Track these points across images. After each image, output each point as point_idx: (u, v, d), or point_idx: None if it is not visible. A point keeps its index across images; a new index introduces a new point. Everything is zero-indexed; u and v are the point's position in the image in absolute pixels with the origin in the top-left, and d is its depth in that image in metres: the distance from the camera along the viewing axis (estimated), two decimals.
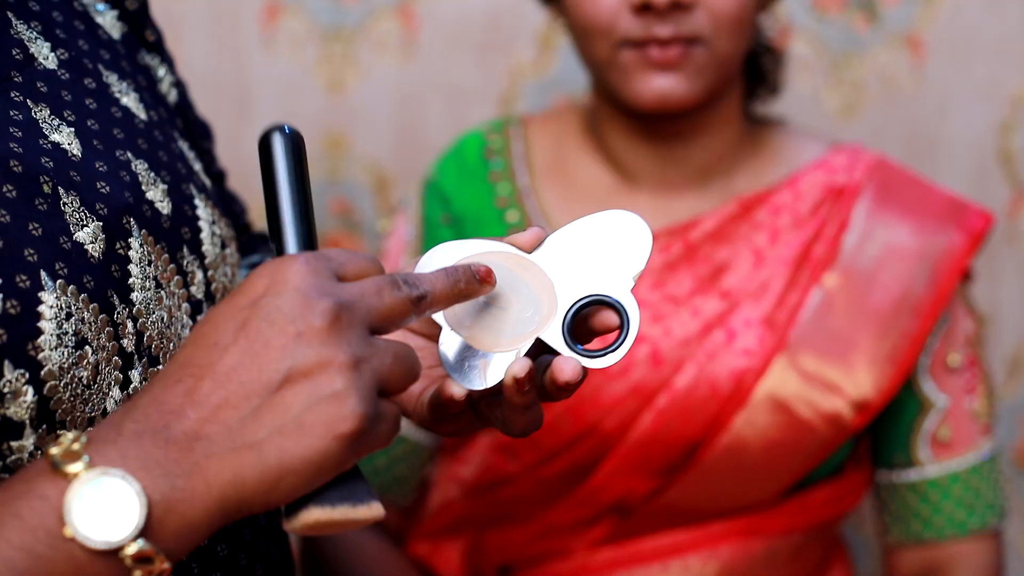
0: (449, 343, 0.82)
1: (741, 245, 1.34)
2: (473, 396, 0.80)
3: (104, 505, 0.63)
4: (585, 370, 0.79)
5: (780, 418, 1.30)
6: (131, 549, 0.63)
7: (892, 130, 1.87)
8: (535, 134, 1.45)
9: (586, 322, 0.81)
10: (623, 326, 0.81)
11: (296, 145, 0.77)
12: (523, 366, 0.77)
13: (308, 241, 0.75)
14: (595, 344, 0.83)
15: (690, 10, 1.26)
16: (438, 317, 0.82)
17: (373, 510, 0.70)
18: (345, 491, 0.70)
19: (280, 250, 0.75)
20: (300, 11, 1.86)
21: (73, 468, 0.64)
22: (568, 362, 0.78)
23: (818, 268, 1.33)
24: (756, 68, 1.43)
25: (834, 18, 1.86)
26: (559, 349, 0.81)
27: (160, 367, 0.79)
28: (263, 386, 0.66)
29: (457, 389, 0.79)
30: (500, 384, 0.79)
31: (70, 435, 0.65)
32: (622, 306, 0.82)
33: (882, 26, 1.85)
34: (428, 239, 1.43)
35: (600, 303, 0.82)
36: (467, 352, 0.81)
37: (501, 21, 1.84)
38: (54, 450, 0.64)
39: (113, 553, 0.63)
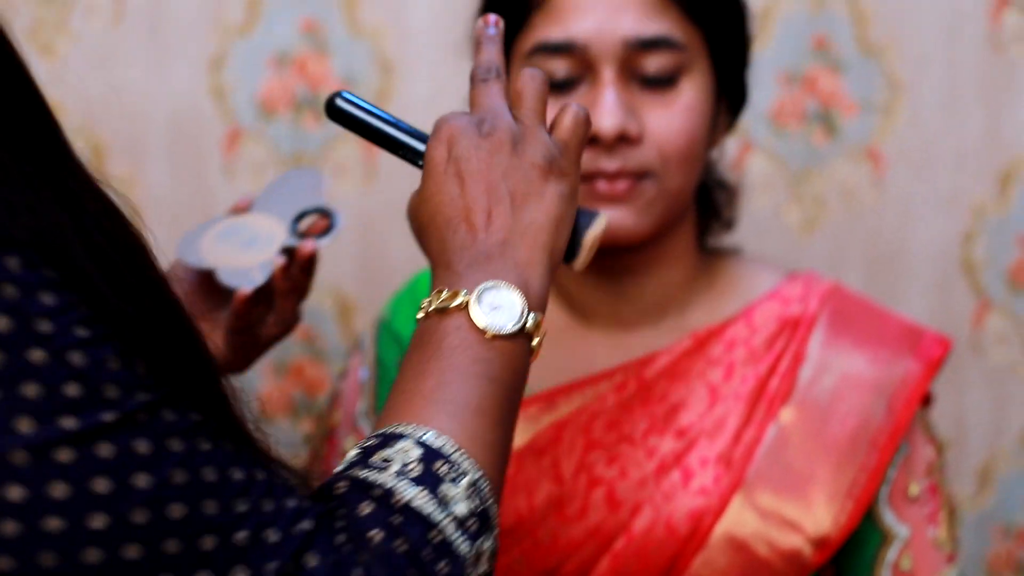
0: (228, 275, 1.21)
1: (696, 382, 1.33)
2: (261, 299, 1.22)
3: (495, 308, 0.90)
4: (317, 247, 1.21)
5: (739, 557, 1.28)
6: (530, 321, 0.91)
7: (854, 243, 1.88)
8: None
9: (306, 230, 1.23)
10: (331, 221, 1.24)
11: (354, 96, 1.05)
12: (280, 261, 1.21)
13: (421, 133, 1.02)
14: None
15: (638, 144, 1.26)
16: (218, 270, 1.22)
17: (603, 217, 1.03)
18: (583, 219, 1.01)
19: (415, 152, 1.01)
20: (261, 137, 1.87)
21: (459, 301, 0.89)
22: (306, 244, 1.22)
23: (774, 403, 1.32)
24: (709, 202, 1.43)
25: (793, 133, 1.86)
26: (295, 244, 1.22)
27: None
28: (502, 194, 0.93)
29: (246, 288, 1.20)
30: (270, 281, 1.20)
31: (428, 298, 0.91)
32: (327, 208, 1.25)
33: (841, 139, 1.86)
34: (382, 381, 1.42)
35: (312, 211, 1.24)
36: (239, 274, 1.20)
37: None
38: (436, 306, 0.90)
39: (519, 331, 0.90)
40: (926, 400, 1.39)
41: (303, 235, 1.24)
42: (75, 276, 0.72)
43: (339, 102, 1.04)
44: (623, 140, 1.25)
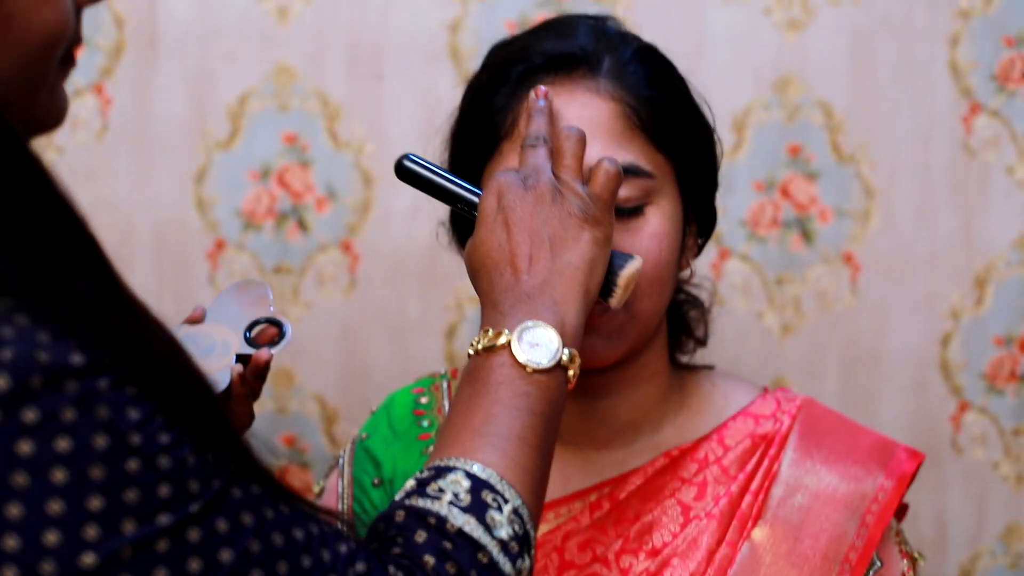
0: None
1: (669, 501, 1.34)
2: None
3: (534, 345, 1.03)
4: (271, 355, 1.30)
5: None
6: (565, 355, 1.04)
7: (832, 347, 1.90)
8: None
9: (257, 338, 1.32)
10: (281, 330, 1.33)
11: (419, 157, 1.22)
12: (237, 369, 1.29)
13: (478, 189, 1.19)
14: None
15: None
16: None
17: (637, 260, 1.17)
18: (619, 261, 1.16)
19: (470, 204, 1.19)
20: (245, 248, 1.89)
21: (503, 340, 1.03)
22: (261, 353, 1.30)
23: (746, 521, 1.33)
24: (681, 319, 1.45)
25: (769, 239, 1.89)
26: (250, 351, 1.31)
27: None
28: (543, 240, 1.08)
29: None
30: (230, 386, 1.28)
31: (476, 337, 1.04)
32: (277, 319, 1.33)
33: (817, 245, 1.89)
34: (358, 500, 1.43)
35: (263, 322, 1.33)
36: None
37: (441, 252, 1.86)
38: (484, 345, 1.03)
39: (556, 365, 1.03)
40: (900, 511, 1.40)
41: (256, 343, 1.33)
42: (151, 388, 0.82)
43: (406, 163, 1.22)
44: None
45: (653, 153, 1.28)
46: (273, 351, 1.33)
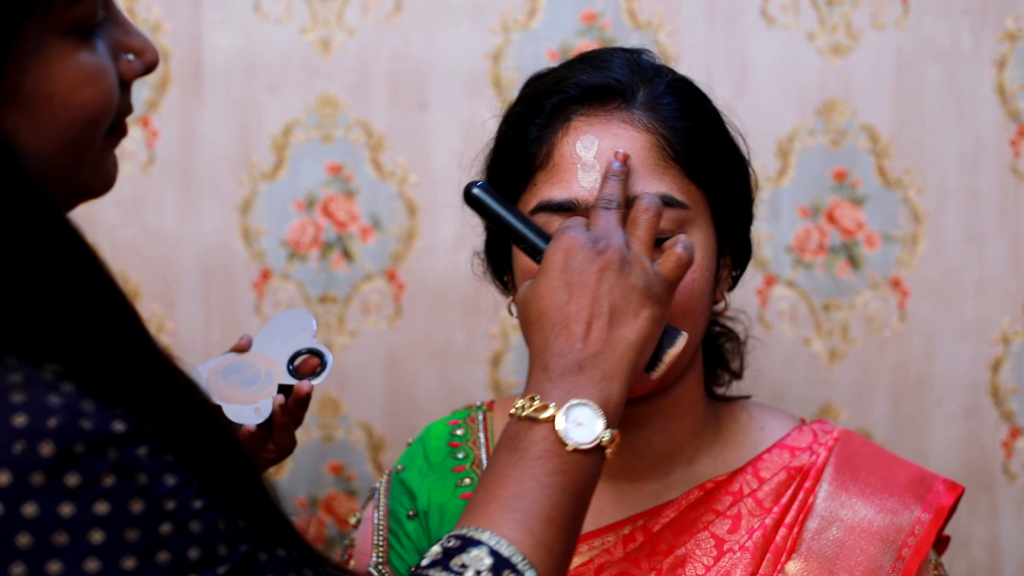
0: (233, 413, 1.34)
1: (702, 534, 1.33)
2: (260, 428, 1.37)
3: (578, 424, 1.03)
4: (312, 386, 1.37)
5: None
6: (606, 437, 1.04)
7: (880, 373, 1.88)
8: (499, 420, 1.44)
9: (299, 368, 1.38)
10: (323, 361, 1.38)
11: (487, 187, 1.22)
12: (279, 399, 1.35)
13: (544, 232, 1.19)
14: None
15: None
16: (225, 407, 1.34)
17: (684, 337, 1.17)
18: (667, 336, 1.15)
19: (534, 249, 1.18)
20: (291, 277, 1.90)
21: (547, 414, 1.03)
22: (303, 384, 1.36)
23: (780, 554, 1.31)
24: (716, 351, 1.44)
25: (816, 265, 1.88)
26: (293, 382, 1.36)
27: None
28: (603, 309, 1.07)
29: (255, 421, 1.36)
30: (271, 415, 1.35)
31: (522, 402, 1.04)
32: (319, 349, 1.39)
33: (864, 270, 1.87)
34: (394, 532, 1.42)
35: (305, 352, 1.38)
36: (244, 412, 1.34)
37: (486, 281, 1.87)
38: (528, 414, 1.03)
39: (596, 445, 1.03)
40: (940, 544, 1.38)
41: (298, 374, 1.37)
42: (187, 456, 0.86)
43: (475, 191, 1.21)
44: None
45: (687, 184, 1.28)
46: (315, 382, 1.37)
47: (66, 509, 0.81)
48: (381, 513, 1.45)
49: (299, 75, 1.88)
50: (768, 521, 1.33)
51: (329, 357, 1.37)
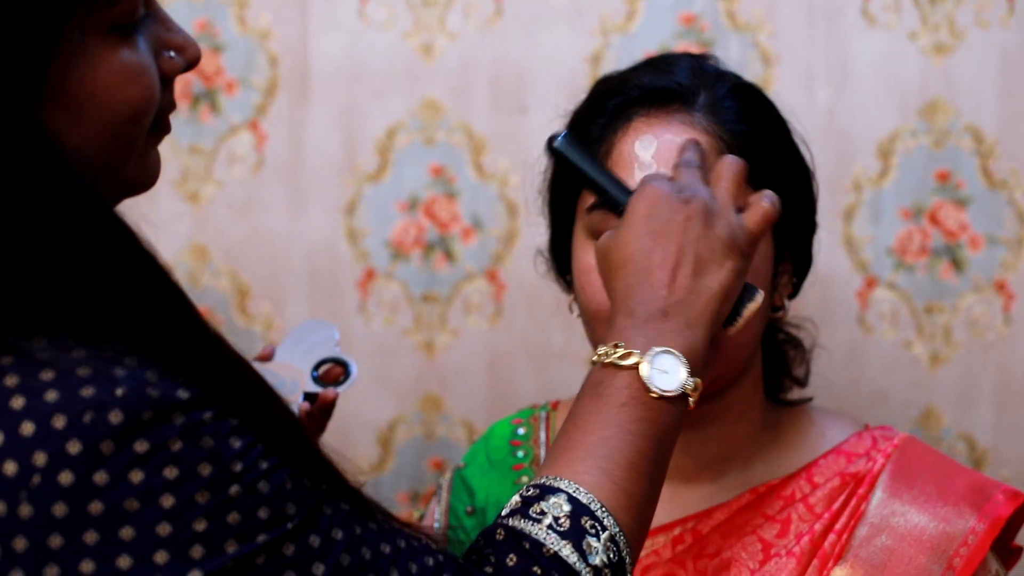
0: None
1: (750, 537, 1.33)
2: None
3: (663, 372, 1.03)
4: (337, 394, 1.39)
5: None
6: (690, 384, 1.05)
7: (984, 377, 1.85)
8: (562, 420, 1.45)
9: (323, 377, 1.40)
10: (347, 370, 1.40)
11: (571, 139, 1.22)
12: (305, 406, 1.36)
13: (625, 186, 1.20)
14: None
15: None
16: None
17: (761, 293, 1.15)
18: (745, 292, 1.14)
19: (614, 202, 1.18)
20: (394, 277, 1.93)
21: (631, 361, 1.03)
22: (328, 391, 1.38)
23: (827, 560, 1.30)
24: (780, 357, 1.43)
25: (918, 268, 1.86)
26: (317, 390, 1.39)
27: None
28: (688, 258, 1.07)
29: None
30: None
31: (605, 348, 1.05)
32: (343, 359, 1.41)
33: (968, 273, 1.85)
34: (453, 528, 1.46)
35: (328, 361, 1.40)
36: None
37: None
38: (612, 360, 1.04)
39: (680, 393, 1.04)
40: (1009, 555, 1.35)
41: (322, 382, 1.41)
42: (251, 419, 0.89)
43: (557, 144, 1.22)
44: None
45: (744, 188, 1.26)
46: (339, 390, 1.40)
47: (136, 475, 0.83)
48: (442, 508, 1.48)
49: (402, 79, 1.92)
50: (818, 527, 1.32)
51: (353, 366, 1.41)
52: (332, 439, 1.92)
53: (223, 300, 1.97)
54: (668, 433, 1.05)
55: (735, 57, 1.84)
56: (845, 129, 1.83)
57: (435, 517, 1.49)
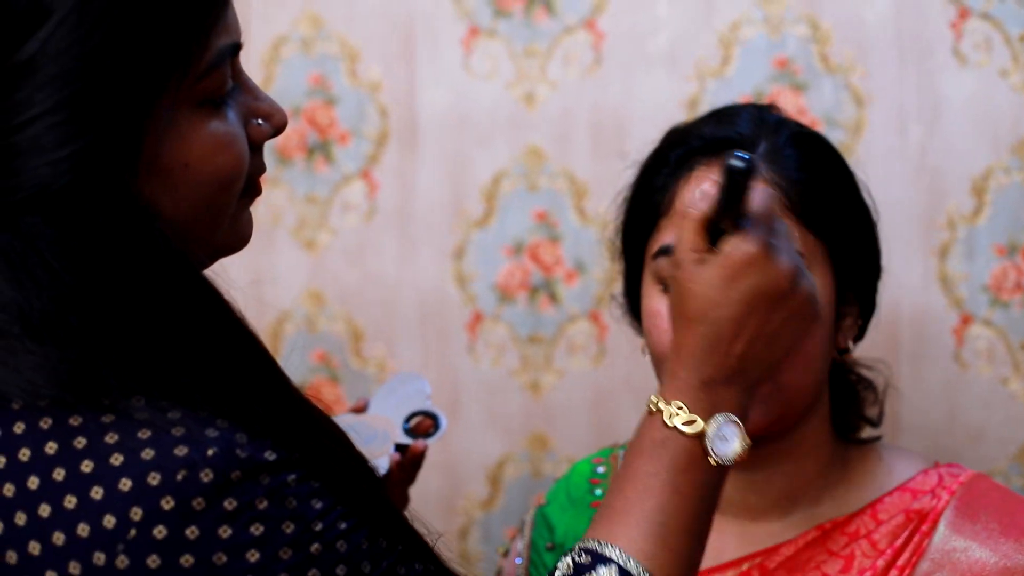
0: None
1: (814, 573, 1.36)
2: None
3: (723, 439, 1.06)
4: (427, 446, 1.47)
5: None
6: (742, 451, 1.07)
7: None
8: None
9: (414, 429, 1.48)
10: (436, 423, 1.48)
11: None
12: (396, 457, 1.45)
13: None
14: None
15: None
16: None
17: None
18: None
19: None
20: (501, 319, 2.00)
21: (697, 428, 1.05)
22: (418, 443, 1.45)
23: None
24: (852, 398, 1.45)
25: (1013, 304, 1.88)
26: (408, 442, 1.46)
27: None
28: (765, 335, 1.07)
29: None
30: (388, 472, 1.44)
31: (668, 408, 1.06)
32: (433, 412, 1.49)
33: None
34: (534, 563, 1.51)
35: (419, 414, 1.48)
36: None
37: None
38: (677, 425, 1.05)
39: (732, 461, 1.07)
40: None
41: (413, 434, 1.48)
42: (333, 482, 0.94)
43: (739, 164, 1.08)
44: None
45: (803, 232, 1.32)
46: (428, 442, 1.47)
47: (225, 531, 0.88)
48: (524, 543, 1.54)
49: (506, 128, 1.99)
50: (880, 563, 1.34)
51: (443, 419, 1.47)
52: (444, 478, 2.04)
53: (339, 344, 2.05)
54: (716, 496, 1.08)
55: (828, 98, 1.89)
56: (938, 167, 1.86)
57: (518, 551, 1.55)
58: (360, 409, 1.51)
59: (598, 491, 1.51)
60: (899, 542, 1.35)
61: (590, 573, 1.01)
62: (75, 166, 0.90)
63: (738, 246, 1.06)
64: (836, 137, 1.86)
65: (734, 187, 1.06)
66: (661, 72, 1.95)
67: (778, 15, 1.91)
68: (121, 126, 0.91)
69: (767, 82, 1.92)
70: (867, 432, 1.46)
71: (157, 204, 0.94)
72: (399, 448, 1.46)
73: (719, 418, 1.06)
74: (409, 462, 1.46)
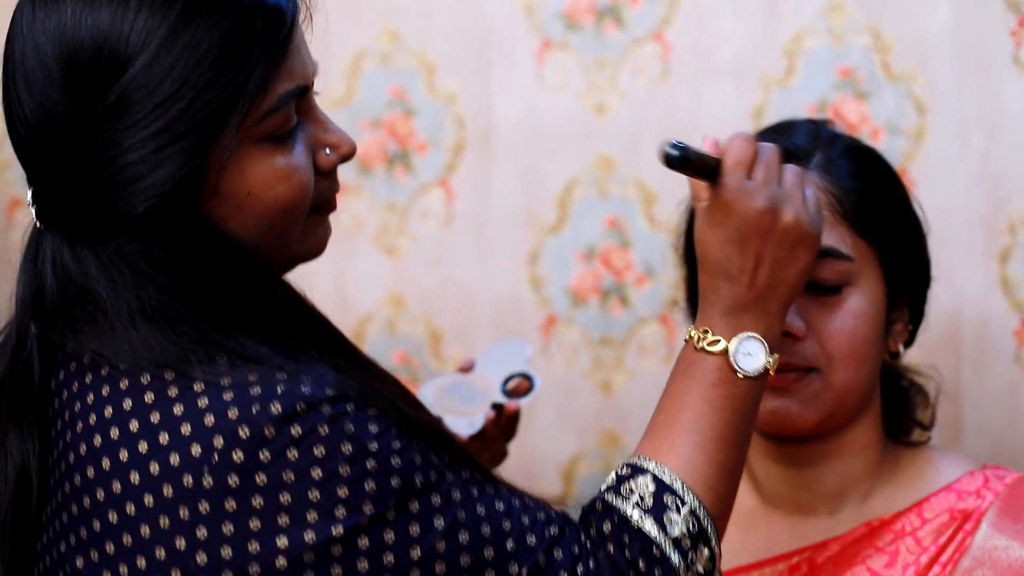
0: (451, 423, 1.49)
1: (859, 568, 1.41)
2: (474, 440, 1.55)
3: (747, 355, 1.18)
4: (519, 406, 1.57)
5: None
6: (769, 362, 1.19)
7: None
8: None
9: (513, 390, 1.58)
10: (531, 384, 1.57)
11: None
12: (491, 414, 1.54)
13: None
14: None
15: (803, 340, 1.37)
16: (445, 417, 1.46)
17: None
18: None
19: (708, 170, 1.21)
20: (574, 322, 2.07)
21: (721, 347, 1.18)
22: (511, 404, 1.55)
23: None
24: (904, 402, 1.50)
25: None
26: (504, 401, 1.55)
27: None
28: (765, 262, 1.18)
29: (468, 433, 1.54)
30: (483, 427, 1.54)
31: (696, 333, 1.20)
32: (529, 373, 1.58)
33: None
34: None
35: (517, 375, 1.56)
36: (460, 423, 1.53)
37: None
38: (703, 346, 1.18)
39: (761, 373, 1.19)
40: None
41: (510, 394, 1.58)
42: (385, 409, 1.08)
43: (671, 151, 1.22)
44: (788, 336, 1.34)
45: (855, 239, 1.38)
46: (522, 402, 1.57)
47: (292, 453, 1.03)
48: None
49: (578, 137, 2.07)
50: (923, 559, 1.39)
51: (537, 381, 1.56)
52: (519, 474, 2.08)
53: (418, 345, 2.13)
54: (751, 407, 1.20)
55: (890, 107, 1.94)
56: (999, 173, 1.90)
57: None
58: (467, 369, 1.62)
59: None
60: (943, 539, 1.40)
61: (628, 482, 1.15)
62: (150, 197, 1.07)
63: (712, 197, 1.22)
64: (898, 145, 1.91)
65: (687, 167, 1.22)
66: (727, 82, 2.01)
67: (841, 26, 1.96)
68: (186, 162, 1.07)
69: (830, 91, 1.97)
70: (918, 435, 1.51)
71: (225, 224, 1.11)
72: (496, 407, 1.56)
73: (740, 336, 1.19)
74: (505, 420, 1.56)
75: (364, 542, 1.04)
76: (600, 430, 2.08)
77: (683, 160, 1.20)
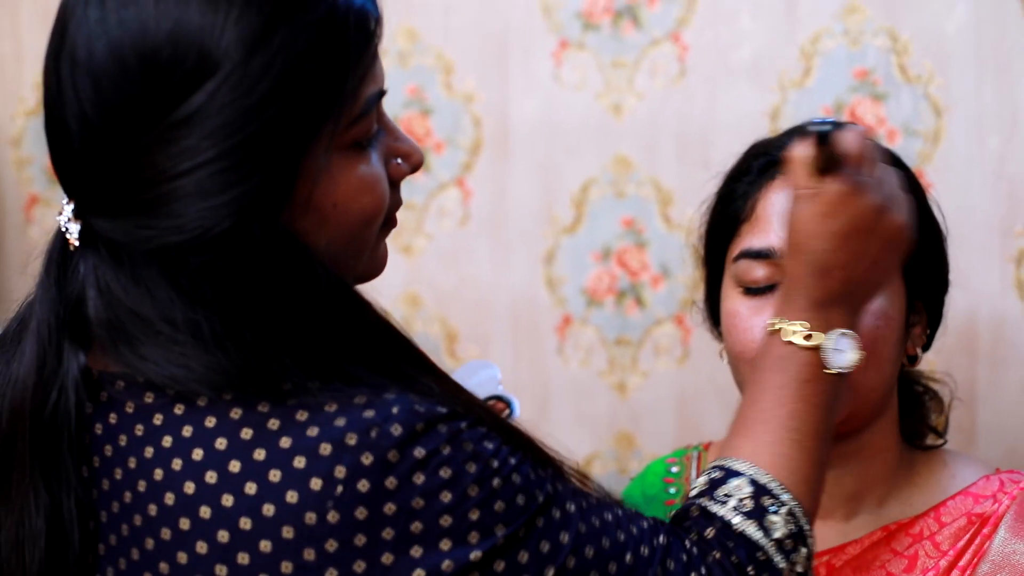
0: None
1: (878, 572, 1.42)
2: None
3: (838, 351, 1.16)
4: None
5: None
6: (857, 360, 1.17)
7: None
8: (712, 460, 1.56)
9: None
10: (510, 407, 1.50)
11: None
12: None
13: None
14: None
15: None
16: None
17: None
18: None
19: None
20: (589, 322, 2.08)
21: (814, 342, 1.15)
22: None
23: None
24: (918, 407, 1.51)
25: None
26: None
27: None
28: (864, 261, 1.16)
29: None
30: None
31: (790, 327, 1.16)
32: (506, 397, 1.51)
33: None
34: None
35: (491, 399, 1.49)
36: None
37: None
38: (796, 341, 1.15)
39: (845, 372, 1.17)
40: None
41: None
42: (494, 427, 1.02)
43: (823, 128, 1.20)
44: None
45: None
46: None
47: (419, 477, 0.97)
48: None
49: (595, 137, 2.07)
50: (943, 563, 1.40)
51: (515, 403, 1.53)
52: None
53: (434, 344, 2.14)
54: (835, 403, 1.19)
55: (907, 108, 1.94)
56: (1016, 175, 1.90)
57: None
58: None
59: (672, 489, 1.57)
60: (961, 544, 1.41)
61: (723, 486, 1.12)
62: (236, 210, 0.98)
63: (830, 186, 1.16)
64: (915, 146, 1.91)
65: (824, 146, 1.17)
66: (744, 83, 2.01)
67: (858, 27, 1.96)
68: (278, 171, 1.00)
69: (847, 92, 1.97)
70: (931, 441, 1.52)
71: (310, 238, 1.03)
72: None
73: (835, 332, 1.16)
74: None
75: (501, 566, 0.99)
76: (615, 430, 2.08)
77: (826, 140, 1.17)
